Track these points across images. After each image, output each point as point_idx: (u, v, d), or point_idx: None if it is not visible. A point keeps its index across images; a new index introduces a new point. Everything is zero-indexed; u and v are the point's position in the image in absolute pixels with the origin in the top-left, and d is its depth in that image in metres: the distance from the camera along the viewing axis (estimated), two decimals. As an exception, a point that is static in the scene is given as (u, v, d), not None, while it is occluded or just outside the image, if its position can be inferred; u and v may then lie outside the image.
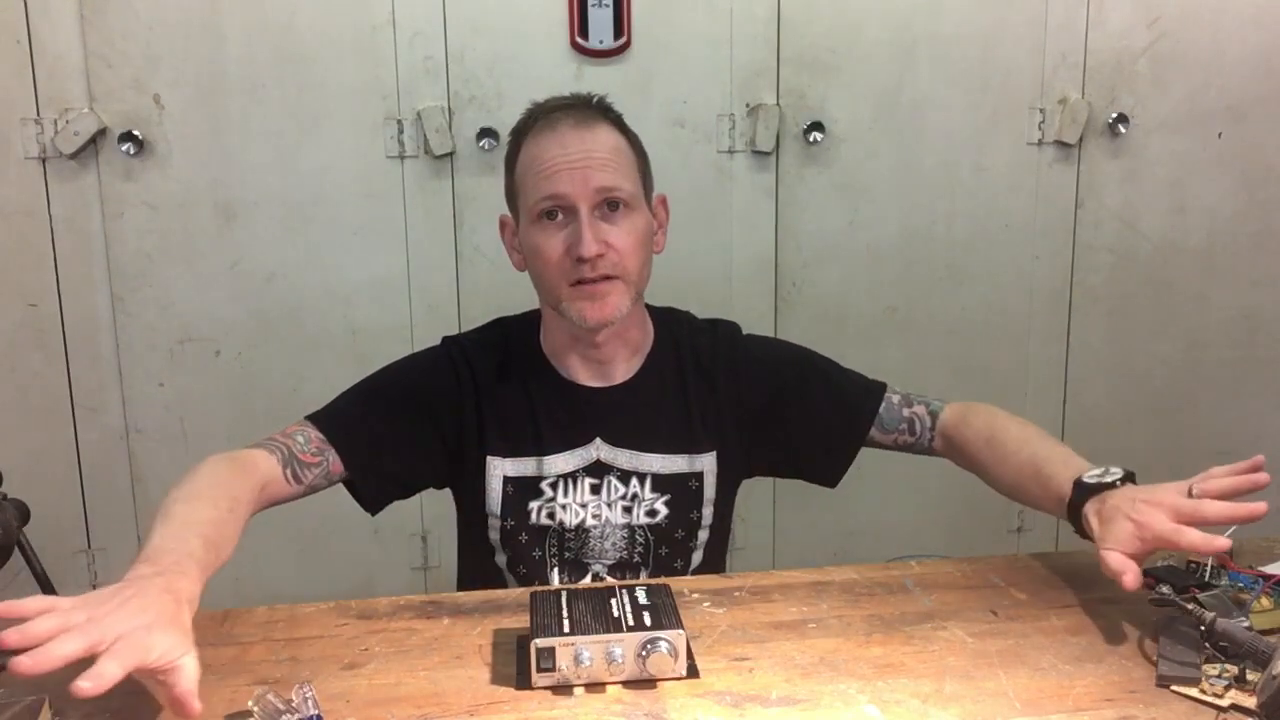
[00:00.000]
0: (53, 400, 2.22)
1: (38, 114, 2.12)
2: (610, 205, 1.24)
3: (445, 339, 1.40)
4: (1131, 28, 2.38)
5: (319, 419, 1.29)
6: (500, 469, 1.32)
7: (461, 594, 1.19)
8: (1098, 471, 1.13)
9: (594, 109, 1.29)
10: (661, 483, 1.34)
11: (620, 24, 2.22)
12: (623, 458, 1.33)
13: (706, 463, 1.35)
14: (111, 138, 2.14)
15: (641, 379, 1.35)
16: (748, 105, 2.30)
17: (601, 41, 2.22)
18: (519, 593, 1.15)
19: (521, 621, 1.07)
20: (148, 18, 2.11)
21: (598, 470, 1.33)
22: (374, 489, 1.31)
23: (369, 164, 2.22)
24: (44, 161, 2.14)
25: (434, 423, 1.32)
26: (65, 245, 2.18)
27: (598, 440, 1.33)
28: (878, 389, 1.40)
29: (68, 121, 2.11)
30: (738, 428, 1.37)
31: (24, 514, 1.87)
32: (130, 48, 2.12)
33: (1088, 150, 2.42)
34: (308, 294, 2.25)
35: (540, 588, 1.10)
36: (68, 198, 2.16)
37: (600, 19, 2.21)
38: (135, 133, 2.13)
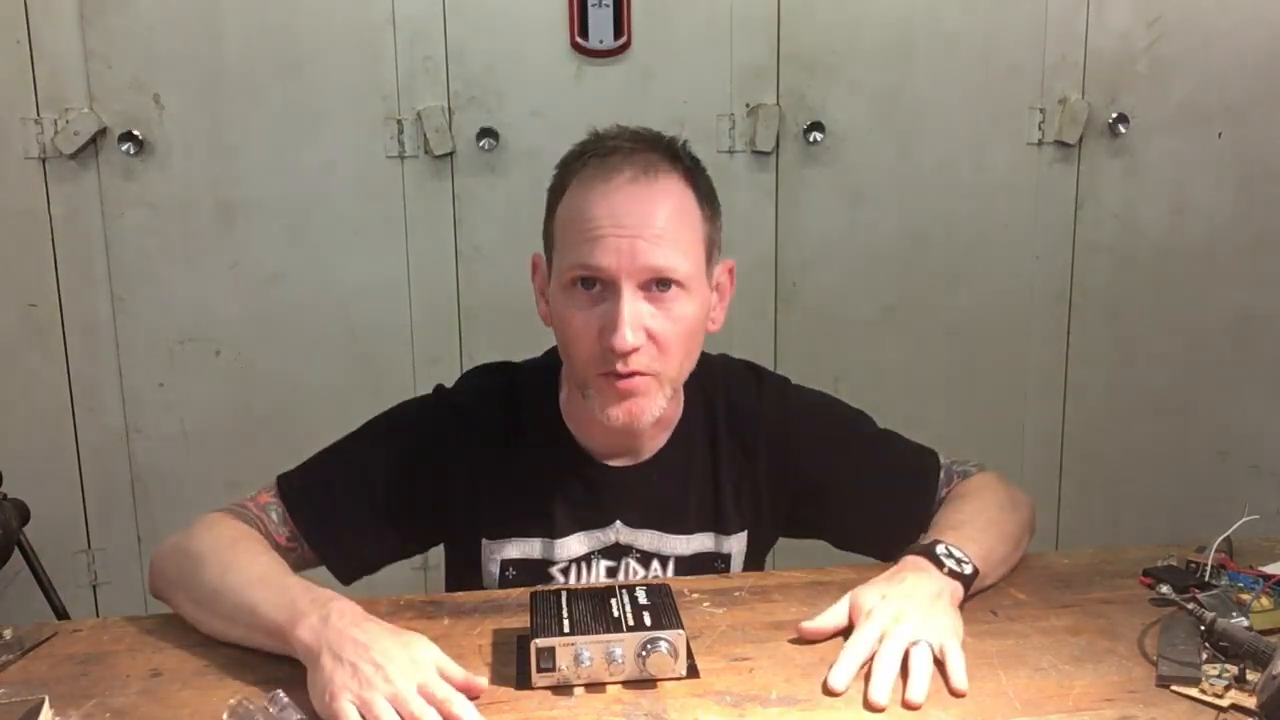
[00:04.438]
0: (53, 400, 2.22)
1: (38, 114, 2.11)
2: (660, 284, 1.06)
3: (439, 394, 1.22)
4: (1131, 28, 2.37)
5: (290, 496, 1.16)
6: (498, 553, 1.19)
7: (461, 594, 1.18)
8: (945, 549, 1.07)
9: (662, 153, 1.09)
10: (685, 564, 1.22)
11: (620, 24, 2.22)
12: (644, 539, 1.20)
13: (735, 544, 1.23)
14: (111, 138, 2.13)
15: (669, 453, 1.20)
16: (748, 105, 2.29)
17: (601, 41, 2.22)
18: (519, 593, 1.15)
19: (521, 621, 1.06)
20: (148, 18, 2.11)
21: (615, 552, 1.20)
22: (348, 571, 1.20)
23: (369, 164, 2.22)
24: (44, 161, 2.13)
25: (415, 504, 1.18)
26: (65, 245, 2.17)
27: (618, 523, 1.20)
28: (931, 483, 1.25)
29: (68, 121, 2.10)
30: (773, 506, 1.24)
31: (24, 514, 1.87)
32: (130, 48, 2.12)
33: (1088, 150, 2.42)
34: (308, 294, 2.25)
35: (540, 588, 1.09)
36: (68, 198, 2.16)
37: (600, 19, 2.21)
38: (135, 133, 2.13)
